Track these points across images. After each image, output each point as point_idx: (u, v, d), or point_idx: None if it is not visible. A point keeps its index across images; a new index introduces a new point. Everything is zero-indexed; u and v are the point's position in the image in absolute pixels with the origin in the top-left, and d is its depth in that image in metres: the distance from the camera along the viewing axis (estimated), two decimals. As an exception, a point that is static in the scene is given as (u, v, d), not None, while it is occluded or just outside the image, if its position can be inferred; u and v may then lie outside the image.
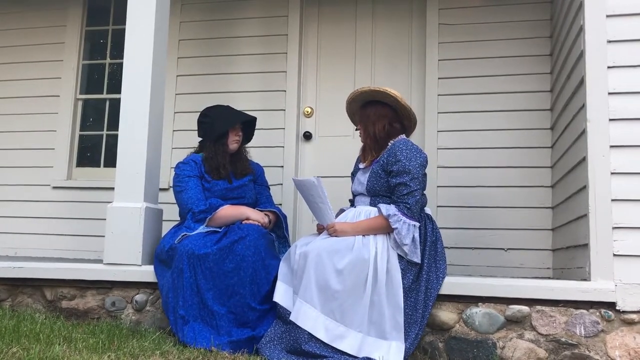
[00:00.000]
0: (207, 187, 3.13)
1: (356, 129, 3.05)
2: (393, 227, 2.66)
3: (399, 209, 2.69)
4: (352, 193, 3.06)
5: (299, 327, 2.57)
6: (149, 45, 3.27)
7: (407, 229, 2.67)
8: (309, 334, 2.55)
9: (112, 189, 3.25)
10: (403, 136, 2.94)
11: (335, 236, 2.76)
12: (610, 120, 2.75)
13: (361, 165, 3.00)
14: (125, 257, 3.12)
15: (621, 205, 2.69)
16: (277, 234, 3.25)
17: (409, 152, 2.77)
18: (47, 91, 4.76)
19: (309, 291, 2.60)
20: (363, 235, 2.72)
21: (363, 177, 2.93)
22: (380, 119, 2.90)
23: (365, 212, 2.83)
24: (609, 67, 2.78)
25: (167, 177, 4.23)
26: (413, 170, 2.73)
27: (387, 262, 2.66)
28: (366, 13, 4.41)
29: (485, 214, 3.96)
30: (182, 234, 2.96)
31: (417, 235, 2.71)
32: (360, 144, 3.08)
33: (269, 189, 3.46)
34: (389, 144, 2.89)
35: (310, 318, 2.57)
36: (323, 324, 2.56)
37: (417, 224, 2.72)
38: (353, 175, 3.10)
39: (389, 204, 2.76)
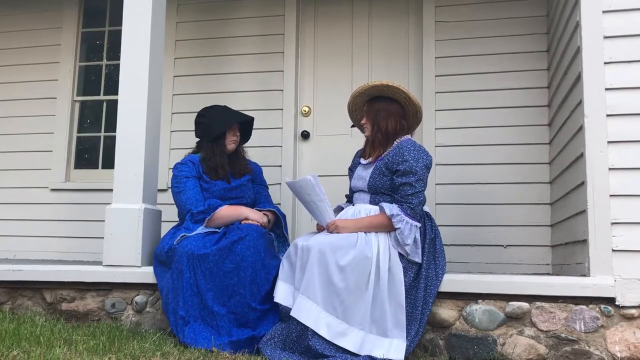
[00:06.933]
0: (205, 187, 3.13)
1: (361, 124, 2.99)
2: (396, 227, 2.66)
3: (402, 209, 2.69)
4: (351, 189, 3.06)
5: (302, 323, 2.56)
6: (146, 46, 3.27)
7: (410, 229, 2.67)
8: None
9: (111, 190, 3.25)
10: (408, 136, 2.93)
11: (337, 232, 2.76)
12: (608, 115, 2.75)
13: (363, 161, 2.98)
14: (124, 259, 3.12)
15: (619, 200, 2.70)
16: (277, 233, 3.25)
17: (416, 153, 2.77)
18: (44, 93, 4.75)
19: (312, 287, 2.58)
20: (365, 233, 2.72)
21: (365, 173, 2.92)
22: (392, 116, 2.89)
23: (365, 210, 2.83)
24: (605, 63, 2.79)
25: (165, 178, 4.22)
26: (419, 171, 2.73)
27: (389, 260, 2.66)
28: (363, 12, 4.41)
29: (483, 211, 3.97)
30: (181, 235, 2.96)
31: (418, 235, 2.71)
32: (362, 140, 3.07)
33: (268, 188, 3.46)
34: (395, 142, 2.89)
35: (312, 314, 2.56)
36: (325, 320, 2.56)
37: (419, 225, 2.72)
38: (351, 170, 3.09)
39: (390, 202, 2.77)
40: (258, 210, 3.18)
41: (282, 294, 2.73)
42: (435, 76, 4.13)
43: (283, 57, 4.37)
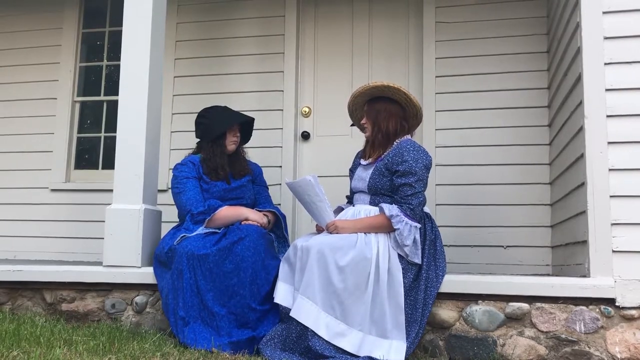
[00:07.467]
0: (205, 188, 3.13)
1: (361, 124, 2.99)
2: (395, 227, 2.66)
3: (401, 210, 2.69)
4: (351, 190, 3.05)
5: (302, 323, 2.56)
6: (146, 46, 3.27)
7: (409, 230, 2.67)
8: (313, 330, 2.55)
9: (111, 191, 3.25)
10: (408, 136, 2.93)
11: (337, 233, 2.75)
12: (608, 116, 2.75)
13: (363, 162, 2.98)
14: (124, 259, 3.12)
15: (620, 201, 2.69)
16: (277, 234, 3.25)
17: (416, 153, 2.76)
18: (44, 94, 4.75)
19: (311, 287, 2.58)
20: (365, 234, 2.72)
21: (365, 174, 2.91)
22: (393, 116, 2.89)
23: (364, 211, 2.83)
24: (605, 64, 2.79)
25: (165, 179, 4.23)
26: (419, 171, 2.73)
27: (388, 262, 2.66)
28: (363, 12, 4.42)
29: (484, 212, 3.97)
30: (181, 235, 2.96)
31: (418, 236, 2.71)
32: (362, 141, 3.06)
33: (268, 189, 3.46)
34: (395, 142, 2.89)
35: (311, 315, 2.55)
36: (324, 321, 2.55)
37: (419, 226, 2.72)
38: (352, 171, 3.09)
39: (390, 203, 2.76)
40: (258, 210, 3.18)
41: (282, 294, 2.72)
42: (436, 77, 4.13)
43: (283, 57, 4.37)
